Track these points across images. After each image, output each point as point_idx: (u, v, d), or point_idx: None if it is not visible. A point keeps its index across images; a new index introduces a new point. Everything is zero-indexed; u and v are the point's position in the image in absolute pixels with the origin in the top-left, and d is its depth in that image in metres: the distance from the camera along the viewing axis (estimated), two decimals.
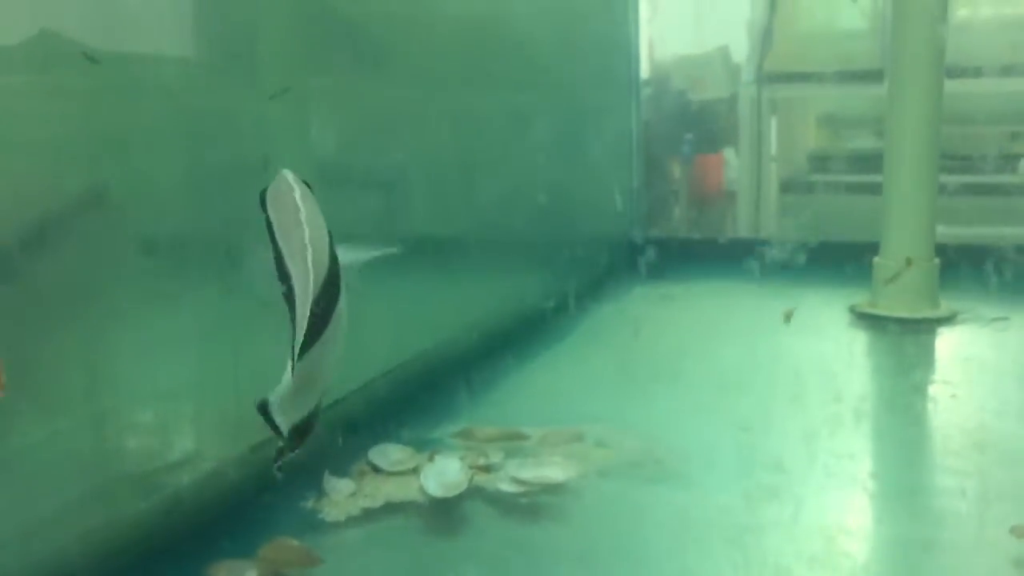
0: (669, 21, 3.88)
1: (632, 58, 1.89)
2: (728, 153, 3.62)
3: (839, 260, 1.67)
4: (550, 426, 1.17)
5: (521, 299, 1.53)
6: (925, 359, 1.43)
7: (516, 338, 1.45)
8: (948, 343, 1.45)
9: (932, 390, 1.30)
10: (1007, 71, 2.99)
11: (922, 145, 1.49)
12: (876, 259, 1.54)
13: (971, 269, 1.58)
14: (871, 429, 1.19)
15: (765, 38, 3.19)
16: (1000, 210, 3.00)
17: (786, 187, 3.33)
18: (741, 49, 3.47)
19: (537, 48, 1.64)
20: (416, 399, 1.23)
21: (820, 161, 3.55)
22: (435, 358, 1.32)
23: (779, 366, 1.37)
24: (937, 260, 1.52)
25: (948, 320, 1.50)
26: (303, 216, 0.75)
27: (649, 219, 2.46)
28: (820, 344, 1.46)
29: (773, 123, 3.33)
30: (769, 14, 3.18)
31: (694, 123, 3.57)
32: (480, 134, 1.48)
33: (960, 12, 3.11)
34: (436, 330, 1.33)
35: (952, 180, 3.11)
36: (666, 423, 1.21)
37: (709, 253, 1.85)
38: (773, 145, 3.37)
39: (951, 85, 3.05)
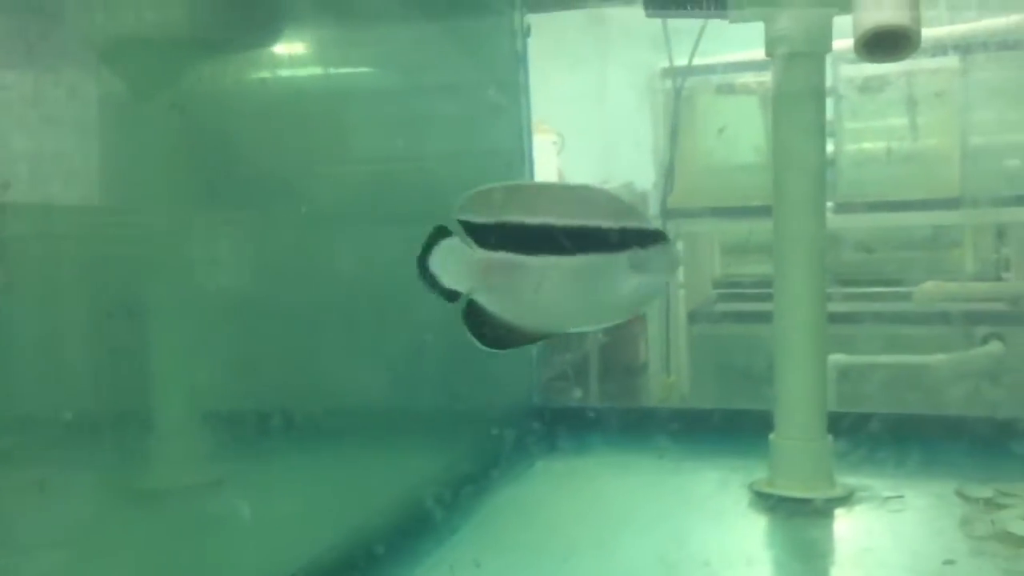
0: (576, 156, 3.93)
1: None
2: None
3: (741, 429, 1.62)
4: None
5: (408, 487, 1.43)
6: (823, 550, 1.37)
7: (404, 536, 1.35)
8: (845, 529, 1.40)
9: None
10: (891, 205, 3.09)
11: (810, 328, 1.47)
12: (772, 436, 1.50)
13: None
14: None
15: (668, 175, 3.24)
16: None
17: (693, 318, 3.35)
18: (647, 184, 3.52)
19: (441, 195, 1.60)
20: None
21: (726, 289, 3.59)
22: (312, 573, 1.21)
23: (676, 562, 1.30)
24: (831, 437, 1.48)
25: (844, 500, 1.45)
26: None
27: (552, 382, 2.41)
28: (718, 532, 1.40)
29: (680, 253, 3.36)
30: (671, 152, 3.24)
31: None
32: (369, 282, 1.42)
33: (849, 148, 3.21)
34: (313, 541, 1.23)
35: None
36: None
37: (613, 421, 1.79)
38: (681, 274, 3.39)
39: (848, 220, 3.13)
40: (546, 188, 0.89)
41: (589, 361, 3.77)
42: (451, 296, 0.88)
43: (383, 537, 1.33)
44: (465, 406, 1.61)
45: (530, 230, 0.85)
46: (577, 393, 3.67)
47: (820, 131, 1.49)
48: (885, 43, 1.10)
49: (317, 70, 1.50)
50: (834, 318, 3.10)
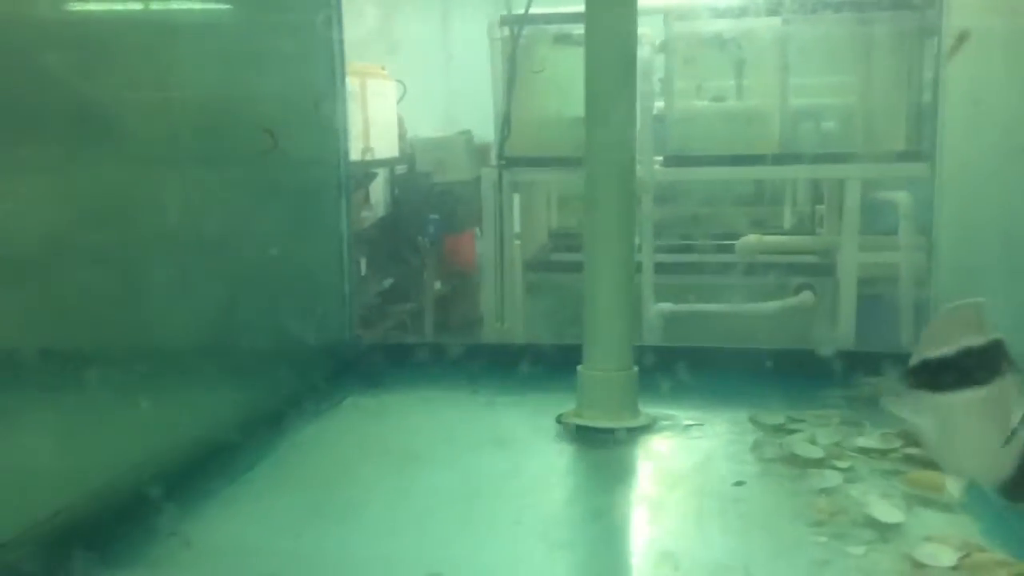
0: (417, 103, 3.83)
1: (341, 157, 1.76)
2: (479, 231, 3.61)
3: (559, 364, 1.59)
4: None
5: (203, 424, 1.34)
6: (625, 475, 1.37)
7: (193, 473, 1.26)
8: (646, 455, 1.41)
9: (631, 512, 1.24)
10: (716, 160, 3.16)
11: (617, 263, 1.46)
12: (580, 367, 1.49)
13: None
14: (567, 562, 1.10)
15: (504, 124, 3.19)
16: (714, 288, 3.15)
17: (529, 266, 3.34)
18: (486, 133, 3.47)
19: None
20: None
21: (561, 239, 3.60)
22: (80, 513, 1.09)
23: (479, 491, 1.26)
24: (636, 368, 1.48)
25: (647, 428, 1.46)
26: None
27: (370, 319, 2.34)
28: (523, 462, 1.37)
29: (516, 204, 3.33)
30: (507, 101, 3.19)
31: (440, 204, 3.52)
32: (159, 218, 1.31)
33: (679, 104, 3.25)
34: (83, 480, 1.11)
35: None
36: (351, 574, 1.06)
37: (431, 356, 1.74)
38: (517, 224, 3.37)
39: (670, 172, 3.19)
40: None
41: (426, 312, 3.72)
42: None
43: (170, 475, 1.23)
44: (266, 342, 1.51)
45: None
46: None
47: (630, 81, 1.47)
48: None
49: None
50: (661, 268, 3.17)
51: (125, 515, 1.13)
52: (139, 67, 1.29)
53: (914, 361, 0.88)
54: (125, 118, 1.25)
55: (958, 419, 0.84)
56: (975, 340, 0.79)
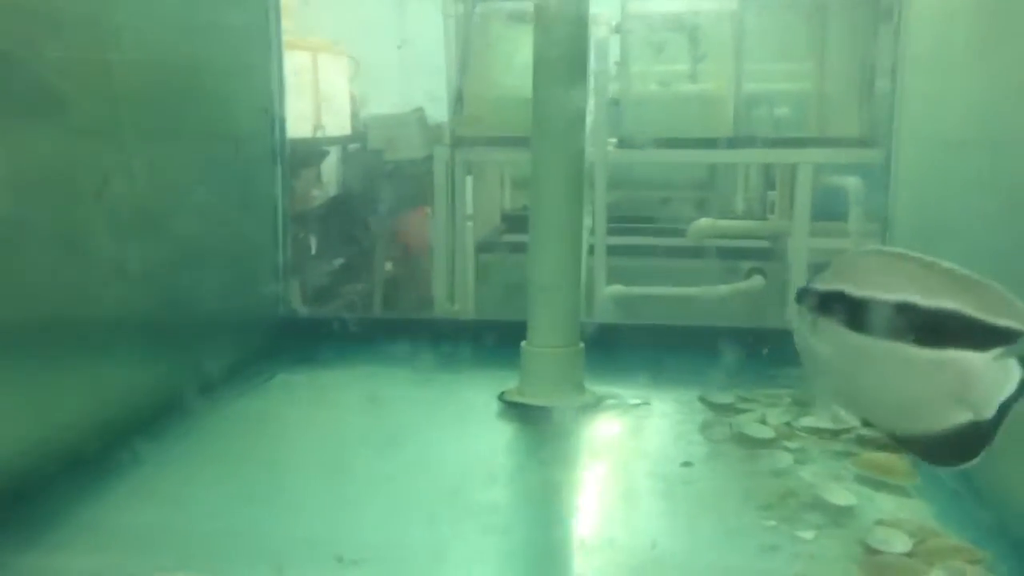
0: (371, 80, 3.70)
1: (276, 127, 1.66)
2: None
3: (503, 340, 1.51)
4: None
5: (119, 397, 1.23)
6: (567, 454, 1.28)
7: (107, 451, 1.15)
8: (590, 435, 1.33)
9: (573, 494, 1.15)
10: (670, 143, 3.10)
11: (563, 236, 1.37)
12: (523, 344, 1.40)
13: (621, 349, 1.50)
14: (500, 547, 1.02)
15: (456, 103, 3.09)
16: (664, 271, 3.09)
17: (481, 247, 3.25)
18: (440, 112, 3.37)
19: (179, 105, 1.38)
20: None
21: (514, 221, 3.51)
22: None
23: (413, 473, 1.17)
24: (581, 345, 1.40)
25: (593, 407, 1.38)
26: None
27: (320, 298, 2.23)
28: (463, 441, 1.29)
29: (469, 184, 3.24)
30: (460, 79, 3.09)
31: (391, 183, 3.41)
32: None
33: (636, 88, 3.18)
34: None
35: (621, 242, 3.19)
36: (267, 564, 0.97)
37: (371, 332, 1.64)
38: (469, 205, 3.28)
39: (624, 155, 3.12)
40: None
41: (375, 292, 3.61)
42: None
43: (82, 454, 1.13)
44: (194, 315, 1.40)
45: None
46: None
47: (581, 61, 1.39)
48: None
49: None
50: (613, 251, 3.10)
51: (27, 497, 1.03)
52: (63, 34, 1.17)
53: (825, 287, 0.82)
54: (50, 85, 1.14)
55: (882, 366, 0.78)
56: (926, 301, 0.73)
